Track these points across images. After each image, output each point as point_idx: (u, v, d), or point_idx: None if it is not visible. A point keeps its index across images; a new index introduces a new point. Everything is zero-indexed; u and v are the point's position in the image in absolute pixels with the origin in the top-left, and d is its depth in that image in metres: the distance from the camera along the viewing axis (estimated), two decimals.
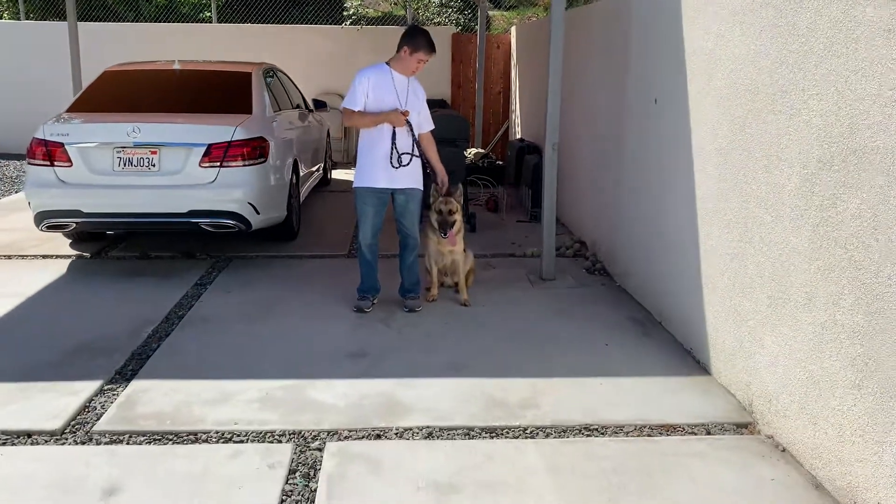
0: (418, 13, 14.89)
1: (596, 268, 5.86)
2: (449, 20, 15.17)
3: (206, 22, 14.26)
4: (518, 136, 10.01)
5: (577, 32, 6.53)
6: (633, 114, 5.15)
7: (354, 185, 4.71)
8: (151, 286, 5.37)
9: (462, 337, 4.48)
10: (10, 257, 6.09)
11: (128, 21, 14.34)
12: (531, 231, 6.88)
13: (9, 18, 15.10)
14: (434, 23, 14.97)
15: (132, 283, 5.45)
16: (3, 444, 3.20)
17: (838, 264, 2.82)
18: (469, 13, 15.24)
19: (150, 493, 2.85)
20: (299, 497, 2.84)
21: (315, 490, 2.88)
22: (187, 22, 14.39)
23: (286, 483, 2.93)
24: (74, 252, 6.21)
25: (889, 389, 2.54)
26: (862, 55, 2.68)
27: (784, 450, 3.20)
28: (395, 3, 15.64)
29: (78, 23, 9.20)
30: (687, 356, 4.20)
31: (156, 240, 6.57)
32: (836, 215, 2.83)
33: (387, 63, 4.66)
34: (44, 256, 6.11)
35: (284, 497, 2.84)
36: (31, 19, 13.82)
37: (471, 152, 9.47)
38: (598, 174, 6.08)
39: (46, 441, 3.24)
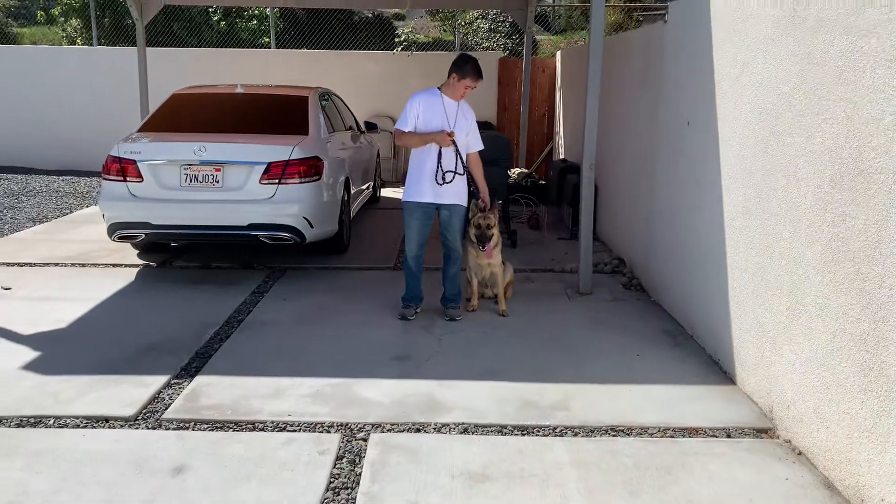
0: (467, 38, 15.32)
1: (632, 283, 6.08)
2: (497, 45, 15.56)
3: (264, 47, 14.91)
4: (561, 157, 10.28)
5: (615, 58, 6.80)
6: (668, 136, 5.38)
7: (403, 199, 5.06)
8: (213, 293, 5.78)
9: (499, 345, 4.75)
10: (83, 265, 6.58)
11: (191, 46, 15.09)
12: (571, 248, 7.11)
13: (81, 44, 16.03)
14: (482, 48, 15.38)
15: (195, 291, 5.87)
16: (85, 426, 3.59)
17: (847, 276, 3.02)
18: (517, 38, 15.60)
19: (213, 471, 3.19)
20: (345, 479, 3.15)
21: (360, 474, 3.18)
22: (247, 47, 15.08)
23: (334, 467, 3.24)
24: (142, 262, 6.69)
25: (892, 392, 2.73)
26: (867, 82, 2.90)
27: (800, 453, 3.39)
28: (445, 30, 16.12)
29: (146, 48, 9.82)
30: (714, 366, 4.40)
31: (216, 251, 7.02)
32: (846, 231, 3.04)
33: (439, 88, 5.01)
34: (114, 265, 6.59)
35: (332, 479, 3.15)
36: (102, 45, 14.66)
37: (514, 172, 9.76)
38: (635, 194, 6.31)
39: (122, 426, 3.61)
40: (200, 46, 15.15)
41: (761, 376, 3.82)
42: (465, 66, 4.86)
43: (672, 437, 3.56)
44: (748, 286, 3.97)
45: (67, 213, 9.08)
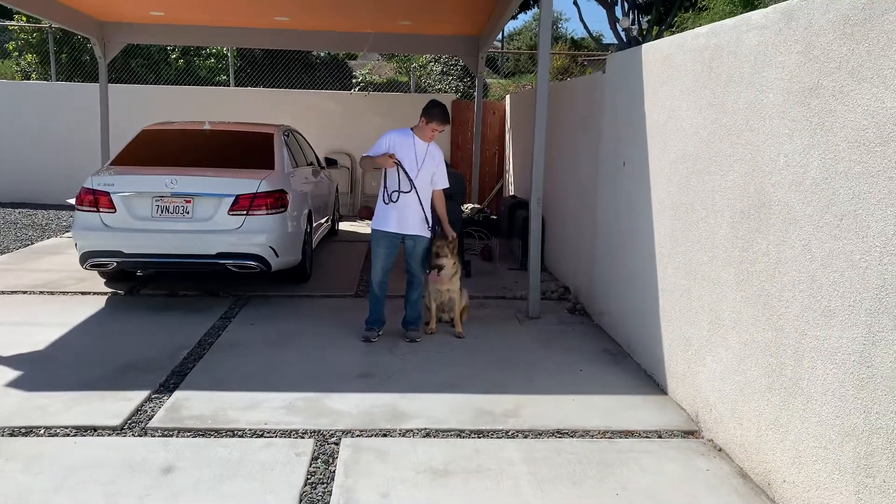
0: (421, 80, 15.94)
1: (577, 309, 6.59)
2: (449, 87, 16.22)
3: (222, 85, 15.25)
4: (511, 194, 10.85)
5: (561, 103, 7.40)
6: (607, 175, 5.95)
7: (371, 227, 5.49)
8: (182, 319, 6.07)
9: (456, 362, 5.17)
10: (53, 293, 6.79)
11: (148, 83, 15.36)
12: (521, 277, 7.60)
13: (37, 79, 16.12)
14: (435, 89, 16.02)
15: (165, 316, 6.15)
16: (75, 435, 3.87)
17: (755, 293, 3.55)
18: (468, 81, 16.32)
19: (200, 471, 3.51)
20: (321, 476, 3.51)
21: (334, 471, 3.55)
22: (204, 85, 15.42)
23: (310, 466, 3.60)
24: (109, 290, 6.92)
25: (789, 389, 3.24)
26: (767, 129, 3.47)
27: (720, 449, 3.88)
28: (400, 71, 16.73)
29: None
30: (648, 380, 4.89)
31: (182, 279, 7.30)
32: (752, 255, 3.58)
33: (412, 129, 5.48)
34: (83, 293, 6.81)
35: (309, 475, 3.50)
36: (59, 80, 14.81)
37: (468, 207, 10.27)
38: (578, 228, 6.86)
39: (110, 434, 3.90)
40: (158, 83, 15.43)
41: (688, 385, 4.32)
42: (433, 111, 5.36)
43: (611, 438, 4.02)
44: (676, 306, 4.49)
45: (28, 245, 9.21)
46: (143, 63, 16.03)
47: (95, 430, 3.93)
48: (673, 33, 20.42)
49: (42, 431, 3.90)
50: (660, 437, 4.06)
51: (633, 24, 14.65)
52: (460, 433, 4.02)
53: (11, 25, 16.03)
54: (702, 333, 4.14)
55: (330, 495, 3.33)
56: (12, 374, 4.70)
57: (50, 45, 14.32)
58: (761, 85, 3.53)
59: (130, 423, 4.03)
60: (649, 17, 23.57)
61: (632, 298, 5.33)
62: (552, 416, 4.28)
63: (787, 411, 3.25)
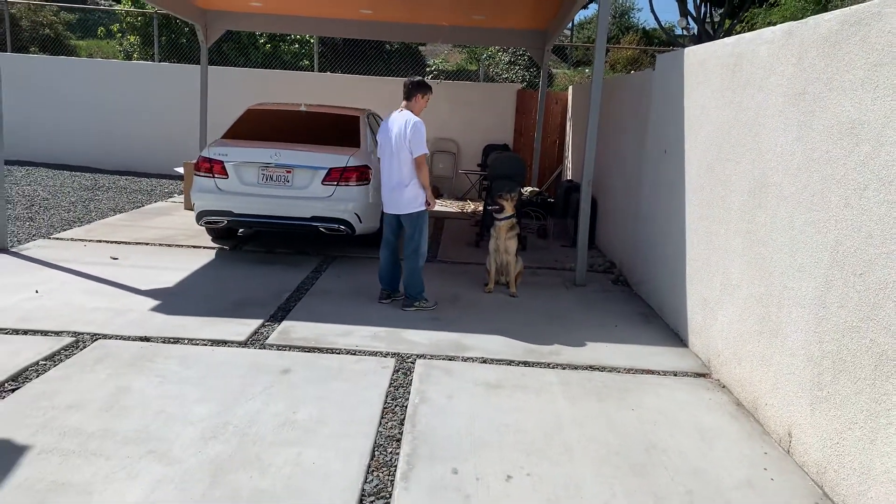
0: (489, 69, 16.82)
1: (619, 280, 7.45)
2: (516, 76, 17.05)
3: (304, 69, 16.44)
4: (568, 178, 11.69)
5: (616, 95, 8.23)
6: (650, 161, 6.79)
7: (424, 208, 6.24)
8: (281, 270, 7.19)
9: (509, 316, 6.13)
10: (170, 245, 8.02)
11: (238, 65, 16.67)
12: (571, 253, 8.48)
13: (138, 59, 17.63)
14: (502, 78, 16.88)
15: (266, 268, 7.28)
16: (211, 346, 4.99)
17: (755, 257, 4.40)
18: (534, 70, 17.11)
19: (310, 373, 4.58)
20: (402, 382, 4.53)
21: (411, 380, 4.56)
22: (288, 68, 16.65)
23: (393, 375, 4.62)
24: (217, 245, 8.11)
25: (773, 332, 4.09)
26: (770, 125, 4.30)
27: (724, 386, 4.74)
28: (469, 60, 17.64)
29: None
30: (674, 336, 5.76)
31: (277, 240, 8.44)
32: (754, 226, 4.42)
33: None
34: (194, 247, 8.01)
35: (393, 381, 4.53)
36: (157, 61, 16.24)
37: (527, 189, 11.16)
38: (624, 209, 7.71)
39: (237, 346, 5.01)
40: (247, 66, 16.73)
41: (704, 337, 5.18)
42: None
43: (633, 374, 4.92)
44: (698, 272, 5.35)
45: (140, 207, 10.54)
46: (233, 47, 17.36)
47: (225, 343, 5.04)
48: (744, 28, 20.74)
49: (186, 342, 5.03)
50: (675, 375, 4.94)
51: (689, 23, 15.16)
52: (510, 362, 4.99)
53: (118, 9, 17.54)
54: (715, 294, 4.99)
55: (408, 394, 4.35)
56: (154, 302, 5.87)
57: (154, 29, 15.75)
58: (768, 89, 4.36)
59: (251, 340, 5.13)
60: (722, 10, 23.81)
61: (665, 268, 6.18)
62: (586, 356, 5.20)
63: (771, 349, 4.11)
